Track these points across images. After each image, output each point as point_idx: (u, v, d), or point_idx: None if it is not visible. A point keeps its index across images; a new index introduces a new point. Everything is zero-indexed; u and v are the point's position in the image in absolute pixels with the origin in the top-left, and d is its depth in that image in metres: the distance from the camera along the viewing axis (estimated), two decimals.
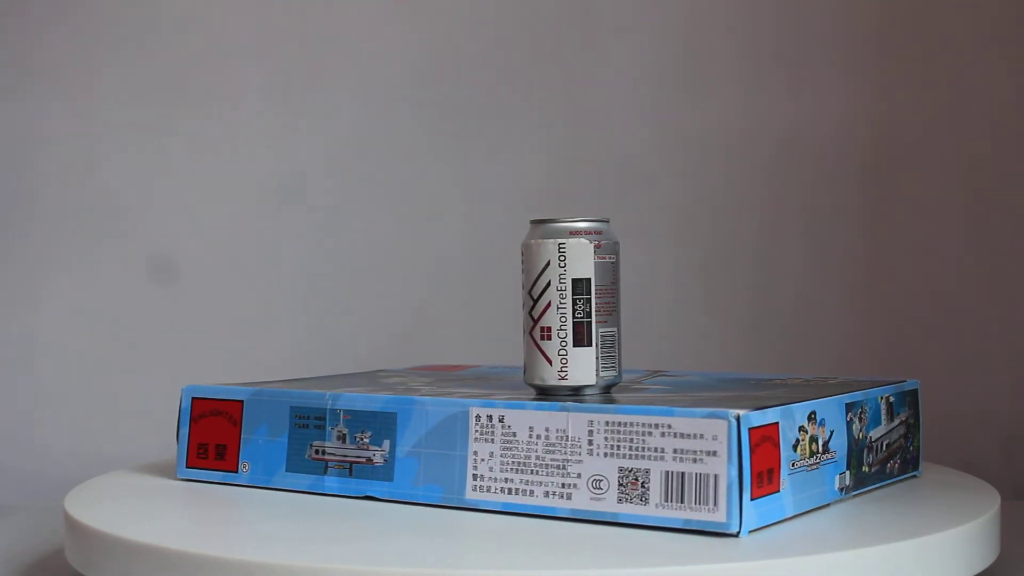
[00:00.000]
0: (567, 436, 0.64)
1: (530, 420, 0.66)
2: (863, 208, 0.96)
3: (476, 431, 0.67)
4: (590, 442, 0.64)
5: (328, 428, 0.73)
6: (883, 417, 0.72)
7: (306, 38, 1.04)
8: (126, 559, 0.63)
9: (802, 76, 0.97)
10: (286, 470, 0.74)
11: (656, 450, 0.62)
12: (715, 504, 0.60)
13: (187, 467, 0.78)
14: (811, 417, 0.65)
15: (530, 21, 1.01)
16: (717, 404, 0.63)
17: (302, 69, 1.04)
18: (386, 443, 0.70)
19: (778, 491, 0.62)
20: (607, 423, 0.63)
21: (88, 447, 1.03)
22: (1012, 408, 0.93)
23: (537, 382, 0.70)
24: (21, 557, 0.82)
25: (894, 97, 0.95)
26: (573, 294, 0.69)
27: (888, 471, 0.72)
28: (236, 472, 0.76)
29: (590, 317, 0.69)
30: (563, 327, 0.69)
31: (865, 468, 0.70)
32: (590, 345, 0.69)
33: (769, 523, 0.61)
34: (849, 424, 0.69)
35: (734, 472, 0.59)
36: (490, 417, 0.67)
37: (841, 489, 0.68)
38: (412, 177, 1.04)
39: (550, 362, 0.70)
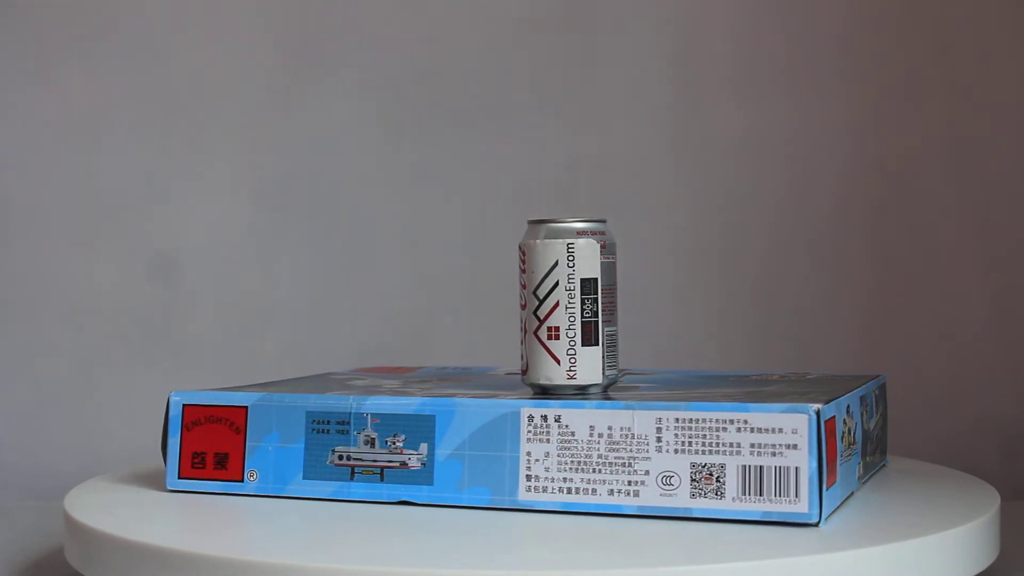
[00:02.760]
0: (632, 434, 0.65)
1: (591, 419, 0.66)
2: (864, 210, 0.99)
3: (529, 431, 0.67)
4: (659, 439, 0.64)
5: (353, 433, 0.70)
6: (874, 410, 0.76)
7: (306, 37, 1.03)
8: (126, 559, 0.62)
9: (804, 79, 0.99)
10: (303, 477, 0.71)
11: (732, 445, 0.63)
12: (796, 495, 0.62)
13: (179, 478, 0.73)
14: (848, 410, 0.68)
15: (530, 21, 1.02)
16: (762, 400, 0.65)
17: (302, 68, 1.04)
18: (423, 446, 0.69)
19: (836, 481, 0.65)
20: (677, 420, 0.64)
21: (87, 447, 1.01)
22: (1012, 408, 0.96)
23: (543, 381, 0.70)
24: (21, 557, 0.80)
25: (896, 101, 0.98)
26: (582, 294, 0.70)
27: (875, 461, 0.76)
28: (242, 481, 0.72)
29: (597, 316, 0.70)
30: (571, 327, 0.70)
31: (868, 458, 0.74)
32: (597, 344, 0.70)
33: (831, 512, 0.64)
34: (862, 416, 0.72)
35: (814, 464, 0.61)
36: (544, 417, 0.67)
37: (859, 478, 0.71)
38: (410, 177, 1.04)
39: (558, 361, 0.70)
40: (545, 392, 0.70)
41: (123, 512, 0.69)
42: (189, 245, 1.05)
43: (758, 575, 0.55)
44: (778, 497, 0.62)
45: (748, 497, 0.62)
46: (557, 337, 0.70)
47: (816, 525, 0.61)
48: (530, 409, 0.67)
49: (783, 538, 0.60)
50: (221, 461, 0.73)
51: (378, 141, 1.03)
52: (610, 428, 0.65)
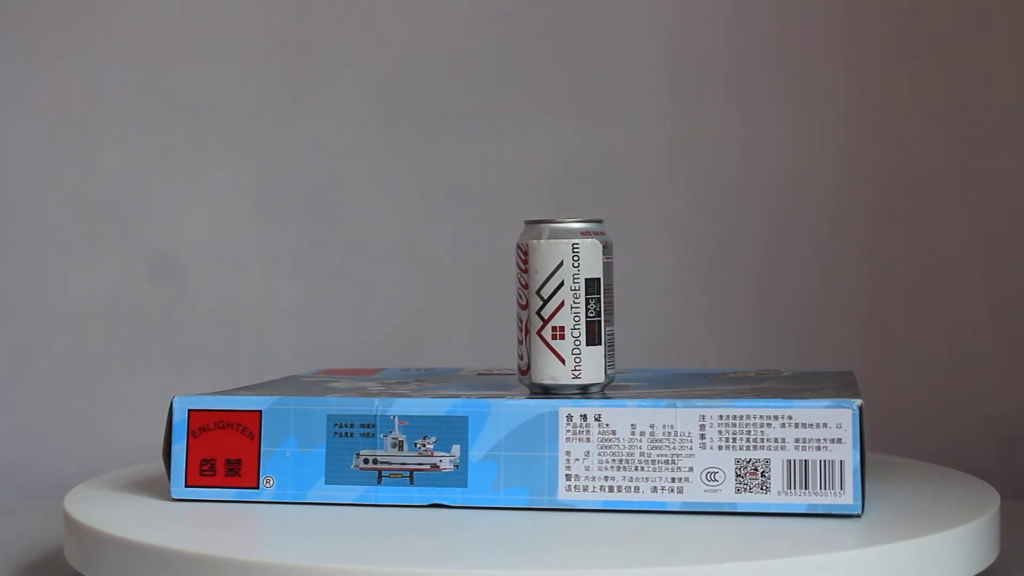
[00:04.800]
0: (675, 431, 0.66)
1: (632, 417, 0.66)
2: (864, 210, 1.00)
3: (568, 431, 0.67)
4: (702, 436, 0.65)
5: (379, 436, 0.69)
6: None
7: (306, 37, 1.03)
8: (126, 559, 0.62)
9: (804, 79, 1.00)
10: (326, 482, 0.69)
11: (777, 440, 0.65)
12: (842, 488, 0.64)
13: (187, 486, 0.70)
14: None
15: (531, 21, 1.02)
16: (800, 396, 0.67)
17: (301, 68, 1.03)
18: (455, 448, 0.68)
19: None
20: (721, 417, 0.65)
21: (87, 447, 1.01)
22: (1012, 408, 0.97)
23: (547, 381, 0.70)
24: (21, 557, 0.80)
25: (896, 100, 0.99)
26: (586, 294, 0.71)
27: None
28: (257, 488, 0.70)
29: (600, 316, 0.71)
30: (576, 326, 0.70)
31: None
32: (600, 344, 0.71)
33: None
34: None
35: (858, 457, 0.64)
36: (584, 416, 0.67)
37: None
38: (410, 177, 1.04)
39: (563, 361, 0.70)
40: (547, 392, 0.71)
41: (124, 511, 0.69)
42: (189, 245, 1.04)
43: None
44: (824, 490, 0.64)
45: (793, 491, 0.64)
46: (562, 337, 0.70)
47: (859, 516, 0.64)
48: (569, 408, 0.67)
49: (784, 536, 0.61)
50: (233, 468, 0.70)
51: (378, 141, 1.04)
52: (652, 426, 0.66)
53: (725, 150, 1.01)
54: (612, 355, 0.72)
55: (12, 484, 1.02)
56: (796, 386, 0.74)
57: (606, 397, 0.69)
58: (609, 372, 0.71)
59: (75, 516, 0.67)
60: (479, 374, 0.85)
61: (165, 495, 0.71)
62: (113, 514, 0.68)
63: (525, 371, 0.72)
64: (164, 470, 0.73)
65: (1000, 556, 0.67)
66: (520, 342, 0.72)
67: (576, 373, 0.70)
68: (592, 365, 0.70)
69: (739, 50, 1.01)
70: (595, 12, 1.01)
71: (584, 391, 0.70)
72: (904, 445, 0.86)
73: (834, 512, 0.64)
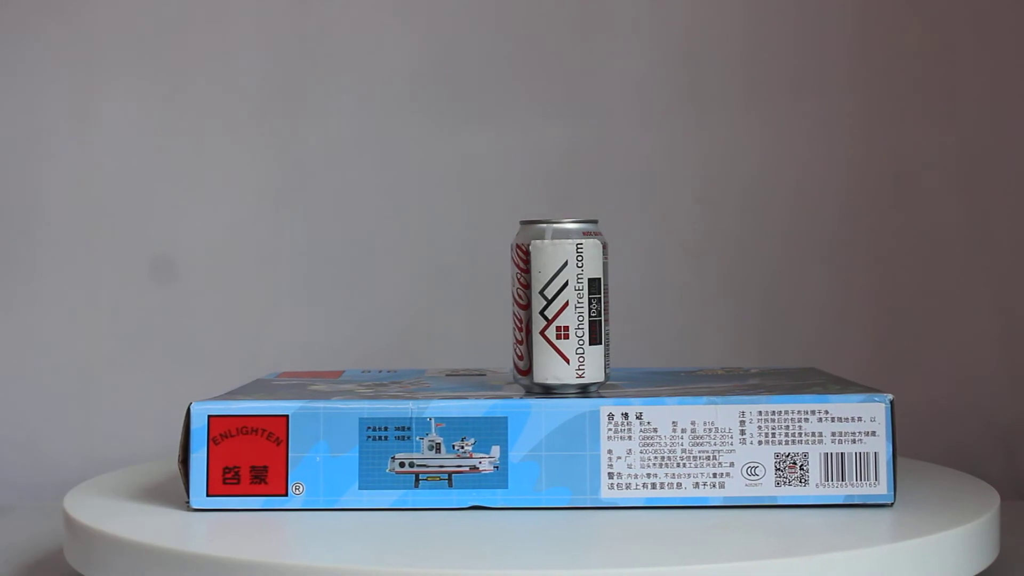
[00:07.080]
0: (715, 427, 0.68)
1: (673, 415, 0.68)
2: (867, 213, 1.00)
3: (609, 430, 0.68)
4: (742, 432, 0.67)
5: (416, 438, 0.68)
6: None
7: (306, 38, 1.03)
8: (126, 559, 0.62)
9: (809, 81, 1.01)
10: (359, 487, 0.68)
11: (814, 434, 0.67)
12: (876, 479, 0.67)
13: (209, 495, 0.68)
14: None
15: (531, 21, 1.02)
16: (790, 392, 0.70)
17: (302, 69, 1.03)
18: (495, 449, 0.68)
19: None
20: (760, 413, 0.67)
21: (88, 447, 1.02)
22: (1012, 408, 0.99)
23: (550, 380, 0.71)
24: (21, 557, 0.81)
25: (899, 103, 1.00)
26: (589, 294, 0.72)
27: None
28: (286, 495, 0.68)
29: (601, 316, 0.72)
30: (580, 326, 0.72)
31: None
32: (601, 343, 0.72)
33: None
34: None
35: (890, 448, 0.67)
36: (625, 415, 0.68)
37: None
38: (410, 177, 1.03)
39: (567, 361, 0.71)
40: (548, 391, 0.71)
41: (124, 511, 0.69)
42: (189, 245, 1.03)
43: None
44: (859, 481, 0.67)
45: (831, 483, 0.67)
46: (567, 336, 0.71)
47: (891, 505, 0.67)
48: (610, 407, 0.68)
49: (785, 536, 0.63)
50: (259, 475, 0.68)
51: (377, 140, 1.03)
52: (693, 423, 0.68)
53: (725, 149, 1.02)
54: (608, 354, 0.73)
55: (12, 484, 1.01)
56: (795, 382, 0.76)
57: (643, 395, 0.69)
58: (607, 371, 0.72)
59: (75, 516, 0.67)
60: (447, 375, 0.85)
61: (165, 495, 0.71)
62: (113, 514, 0.68)
63: (525, 371, 0.72)
64: (163, 468, 0.71)
65: (1000, 556, 0.68)
66: (519, 342, 0.72)
67: (580, 372, 0.71)
68: (594, 364, 0.71)
69: (741, 48, 1.01)
70: (595, 11, 1.02)
71: (584, 390, 0.71)
72: (904, 446, 0.88)
73: (868, 502, 0.67)
